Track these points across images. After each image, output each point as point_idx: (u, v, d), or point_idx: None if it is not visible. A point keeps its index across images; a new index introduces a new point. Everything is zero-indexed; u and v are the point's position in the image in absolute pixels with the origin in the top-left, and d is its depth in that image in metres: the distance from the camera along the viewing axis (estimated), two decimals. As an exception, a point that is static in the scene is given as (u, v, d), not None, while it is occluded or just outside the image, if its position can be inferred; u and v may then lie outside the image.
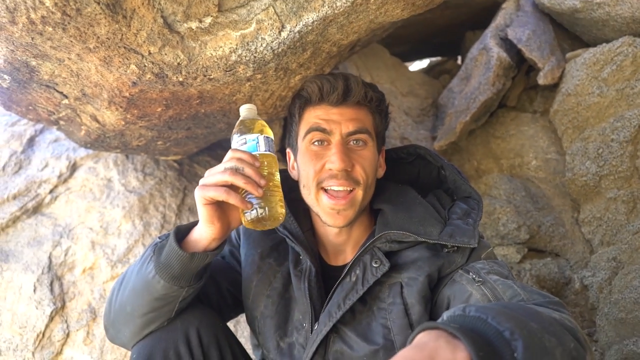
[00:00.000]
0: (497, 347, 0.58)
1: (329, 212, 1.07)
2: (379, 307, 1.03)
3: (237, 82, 1.37)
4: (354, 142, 1.09)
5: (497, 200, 2.47)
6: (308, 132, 1.10)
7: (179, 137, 1.83)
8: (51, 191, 2.12)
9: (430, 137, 3.01)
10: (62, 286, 1.90)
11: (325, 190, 1.07)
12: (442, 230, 1.04)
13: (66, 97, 1.48)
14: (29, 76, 1.33)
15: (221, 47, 1.21)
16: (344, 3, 1.14)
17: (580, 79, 2.35)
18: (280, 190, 1.01)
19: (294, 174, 1.20)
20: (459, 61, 4.20)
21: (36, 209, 2.07)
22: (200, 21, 1.16)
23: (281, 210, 0.99)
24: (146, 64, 1.20)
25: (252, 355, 1.24)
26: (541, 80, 2.53)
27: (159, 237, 1.07)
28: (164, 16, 1.13)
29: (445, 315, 0.68)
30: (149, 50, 1.16)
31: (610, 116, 2.23)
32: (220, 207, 0.96)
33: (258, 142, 0.99)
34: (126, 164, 2.26)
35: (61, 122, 1.72)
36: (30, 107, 1.59)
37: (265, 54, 1.23)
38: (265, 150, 0.99)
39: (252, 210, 0.95)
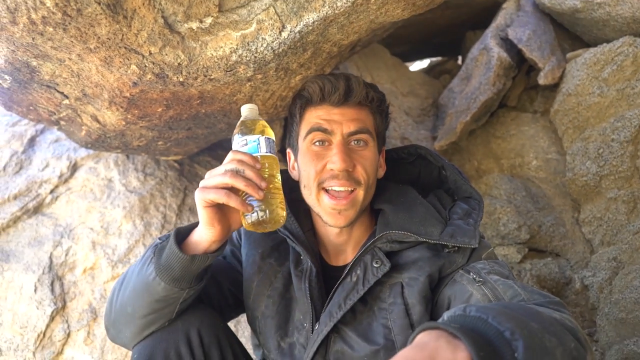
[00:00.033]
0: (498, 347, 0.58)
1: (330, 212, 1.07)
2: (379, 307, 1.03)
3: (238, 83, 1.37)
4: (355, 142, 1.09)
5: (498, 200, 2.47)
6: (309, 132, 1.10)
7: (179, 137, 1.84)
8: (52, 191, 2.13)
9: (431, 137, 3.01)
10: (62, 286, 1.90)
11: (327, 191, 1.07)
12: (443, 230, 1.04)
13: (67, 97, 1.48)
14: (30, 76, 1.34)
15: (222, 47, 1.21)
16: (345, 3, 1.14)
17: (580, 79, 2.35)
18: (282, 192, 1.00)
19: (294, 174, 1.20)
20: (460, 61, 4.20)
21: (37, 209, 2.08)
22: (201, 21, 1.17)
23: (282, 212, 0.98)
24: (147, 64, 1.21)
25: (253, 355, 1.24)
26: (541, 80, 2.53)
27: (159, 238, 1.06)
28: (164, 16, 1.13)
29: (445, 315, 0.68)
30: (150, 51, 1.16)
31: (611, 116, 2.23)
32: (220, 210, 0.95)
33: (259, 144, 0.98)
34: (127, 164, 2.27)
35: (62, 123, 1.72)
36: (31, 108, 1.59)
37: (266, 54, 1.23)
38: (267, 152, 0.98)
39: (253, 213, 0.94)
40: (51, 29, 1.06)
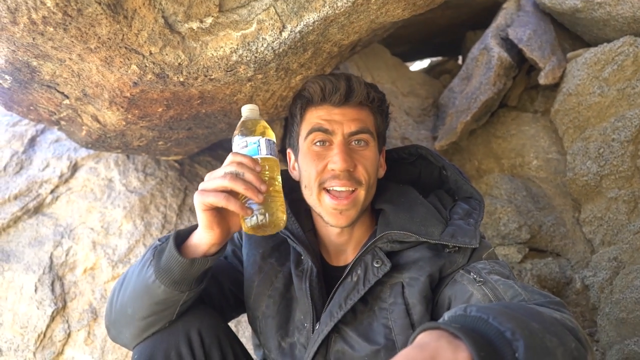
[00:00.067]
0: (499, 347, 0.58)
1: (332, 212, 1.07)
2: (380, 307, 1.03)
3: (238, 83, 1.37)
4: (356, 142, 1.09)
5: (498, 200, 2.47)
6: (310, 132, 1.10)
7: (179, 137, 1.84)
8: (52, 191, 2.13)
9: (431, 137, 3.01)
10: (63, 286, 1.90)
11: (328, 191, 1.07)
12: (444, 230, 1.04)
13: (67, 97, 1.48)
14: (30, 76, 1.34)
15: (222, 47, 1.21)
16: (345, 3, 1.14)
17: (581, 78, 2.35)
18: (282, 194, 0.99)
19: (294, 174, 1.20)
20: (460, 61, 4.20)
21: (37, 209, 2.08)
22: (201, 21, 1.17)
23: (282, 216, 0.97)
24: (147, 64, 1.21)
25: (253, 356, 1.24)
26: (542, 80, 2.53)
27: (159, 240, 1.05)
28: (165, 16, 1.13)
29: (446, 316, 0.68)
30: (150, 51, 1.16)
31: (611, 116, 2.23)
32: (219, 213, 0.95)
33: (259, 145, 0.97)
34: (127, 164, 2.27)
35: (62, 123, 1.72)
36: (31, 108, 1.59)
37: (266, 54, 1.23)
38: (267, 154, 0.97)
39: (252, 216, 0.93)
40: (52, 29, 1.06)
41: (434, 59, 4.62)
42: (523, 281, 2.17)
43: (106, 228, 2.06)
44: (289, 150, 1.24)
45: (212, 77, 1.28)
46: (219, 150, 2.51)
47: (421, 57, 4.71)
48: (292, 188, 1.18)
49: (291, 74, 1.46)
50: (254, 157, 0.95)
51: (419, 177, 1.25)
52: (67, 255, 1.97)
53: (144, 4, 1.08)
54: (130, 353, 1.08)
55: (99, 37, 1.10)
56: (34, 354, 1.75)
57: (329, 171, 1.07)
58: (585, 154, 2.27)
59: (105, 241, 2.02)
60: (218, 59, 1.22)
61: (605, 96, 2.25)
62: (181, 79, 1.27)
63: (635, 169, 2.11)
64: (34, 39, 1.10)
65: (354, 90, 1.09)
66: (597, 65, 2.31)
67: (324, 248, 1.21)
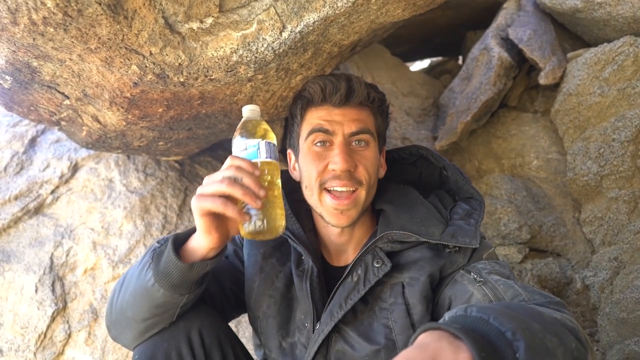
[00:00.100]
0: (499, 347, 0.58)
1: (333, 212, 1.07)
2: (380, 307, 1.04)
3: (238, 83, 1.37)
4: (356, 142, 1.09)
5: (499, 200, 2.47)
6: (310, 133, 1.10)
7: (180, 137, 1.84)
8: (53, 192, 2.13)
9: (431, 137, 3.01)
10: (63, 287, 1.90)
11: (329, 191, 1.07)
12: (444, 230, 1.04)
13: (67, 97, 1.48)
14: (31, 77, 1.34)
15: (222, 47, 1.21)
16: (345, 3, 1.14)
17: (581, 78, 2.35)
18: (281, 199, 0.97)
19: (295, 174, 1.20)
20: (460, 61, 4.20)
21: (38, 210, 2.08)
22: (202, 22, 1.17)
23: (280, 222, 0.95)
24: (147, 65, 1.21)
25: (254, 356, 1.24)
26: (542, 80, 2.53)
27: (158, 242, 1.04)
28: (165, 17, 1.13)
29: (447, 316, 0.68)
30: (150, 51, 1.16)
31: (612, 116, 2.23)
32: (218, 217, 0.93)
33: (259, 149, 0.94)
34: (127, 165, 2.27)
35: (62, 123, 1.72)
36: (31, 108, 1.59)
37: (267, 54, 1.23)
38: (267, 157, 0.95)
39: (251, 222, 0.91)
40: (52, 30, 1.06)
41: (434, 59, 4.62)
42: (523, 281, 2.17)
43: (106, 228, 2.06)
44: (289, 151, 1.24)
45: (213, 77, 1.28)
46: (219, 150, 2.51)
47: (421, 57, 4.71)
48: (292, 188, 1.18)
49: (291, 74, 1.46)
50: (253, 160, 0.93)
51: (420, 177, 1.25)
52: (67, 255, 1.97)
53: (144, 4, 1.08)
54: (131, 353, 1.08)
55: (99, 38, 1.10)
56: (35, 354, 1.75)
57: (329, 171, 1.07)
58: (585, 154, 2.27)
59: (106, 241, 2.02)
60: (218, 59, 1.23)
61: (605, 96, 2.25)
62: (181, 80, 1.27)
63: (635, 169, 2.11)
64: (34, 39, 1.10)
65: (354, 91, 1.09)
66: (598, 65, 2.30)
67: (324, 248, 1.21)
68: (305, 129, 1.12)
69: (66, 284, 1.91)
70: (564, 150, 2.48)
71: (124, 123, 1.54)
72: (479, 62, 2.92)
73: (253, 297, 1.17)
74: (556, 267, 2.21)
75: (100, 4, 1.01)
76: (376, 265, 1.03)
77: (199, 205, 0.89)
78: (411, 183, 1.20)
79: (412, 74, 3.63)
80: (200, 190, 0.90)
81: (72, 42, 1.11)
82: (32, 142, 2.30)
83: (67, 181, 2.17)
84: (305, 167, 1.11)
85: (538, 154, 2.61)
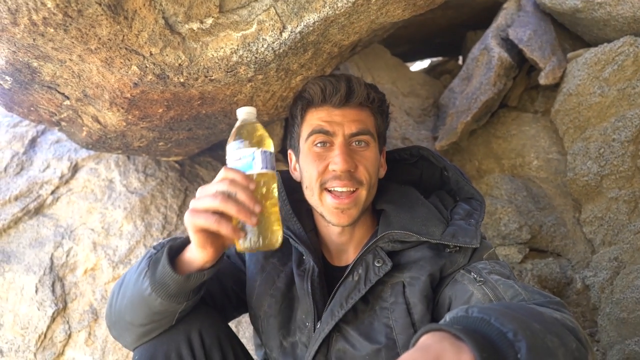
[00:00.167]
0: (501, 348, 0.58)
1: (334, 211, 1.07)
2: (381, 307, 1.04)
3: (239, 83, 1.37)
4: (357, 143, 1.09)
5: (499, 200, 2.47)
6: (311, 134, 1.10)
7: (180, 137, 1.84)
8: (53, 192, 2.13)
9: (432, 137, 3.01)
10: (63, 287, 1.90)
11: (329, 191, 1.07)
12: (445, 230, 1.04)
13: (68, 98, 1.48)
14: (31, 77, 1.34)
15: (222, 47, 1.21)
16: (345, 3, 1.14)
17: (581, 78, 2.35)
18: (278, 209, 0.93)
19: (296, 175, 1.20)
20: (460, 61, 4.20)
21: (38, 210, 2.08)
22: (202, 22, 1.17)
23: (276, 236, 0.91)
24: (147, 65, 1.21)
25: (254, 356, 1.24)
26: (542, 80, 2.53)
27: (154, 247, 1.02)
28: (165, 17, 1.13)
29: (447, 317, 0.68)
30: (151, 51, 1.16)
31: (612, 116, 2.23)
32: (212, 232, 0.90)
33: (254, 159, 0.89)
34: (127, 165, 2.27)
35: (63, 123, 1.72)
36: (31, 109, 1.59)
37: (267, 54, 1.23)
38: (262, 168, 0.89)
39: (246, 239, 0.88)
40: (52, 30, 1.06)
41: (435, 59, 4.62)
42: (524, 281, 2.17)
43: (107, 229, 2.06)
44: (290, 151, 1.24)
45: (213, 77, 1.28)
46: (219, 150, 2.51)
47: (421, 57, 4.71)
48: (293, 189, 1.19)
49: (291, 74, 1.46)
50: (248, 172, 0.88)
51: (420, 178, 1.25)
52: (67, 256, 1.97)
53: (144, 4, 1.08)
54: (131, 354, 1.08)
55: (100, 38, 1.10)
56: (35, 354, 1.75)
57: (330, 172, 1.07)
58: (585, 154, 2.27)
59: (106, 242, 2.02)
60: (218, 59, 1.22)
61: (605, 96, 2.25)
62: (181, 80, 1.27)
63: (635, 169, 2.11)
64: (34, 40, 1.10)
65: (354, 91, 1.09)
66: (598, 66, 2.31)
67: (325, 248, 1.21)
68: (305, 130, 1.12)
69: (66, 284, 1.91)
70: (564, 150, 2.48)
71: (124, 123, 1.54)
72: (479, 62, 2.92)
73: (254, 296, 1.18)
74: (556, 267, 2.21)
75: (100, 5, 1.00)
76: (377, 265, 1.03)
77: (192, 221, 0.86)
78: (412, 183, 1.20)
79: (412, 74, 3.63)
80: (193, 204, 0.87)
81: (72, 42, 1.11)
82: (32, 142, 2.30)
83: (67, 182, 2.17)
84: (305, 167, 1.11)
85: (538, 154, 2.61)
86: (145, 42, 1.14)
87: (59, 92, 1.45)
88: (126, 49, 1.15)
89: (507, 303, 0.86)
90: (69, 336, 1.82)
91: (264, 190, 0.90)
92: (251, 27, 1.19)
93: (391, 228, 1.05)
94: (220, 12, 1.17)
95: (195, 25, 1.17)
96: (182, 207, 2.23)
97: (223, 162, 0.93)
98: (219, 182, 0.86)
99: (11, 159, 2.20)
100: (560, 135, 2.50)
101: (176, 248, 0.98)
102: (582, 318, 2.03)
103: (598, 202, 2.23)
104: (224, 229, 0.84)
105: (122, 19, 1.07)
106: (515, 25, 2.88)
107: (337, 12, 1.16)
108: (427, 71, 4.28)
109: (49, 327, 1.80)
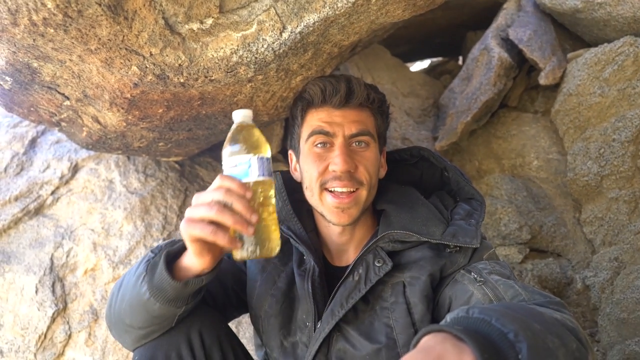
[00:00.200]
0: (502, 348, 0.58)
1: (334, 210, 1.07)
2: (381, 307, 1.04)
3: (239, 83, 1.37)
4: (357, 143, 1.10)
5: (499, 200, 2.47)
6: (311, 134, 1.10)
7: (180, 138, 1.83)
8: (53, 192, 2.13)
9: (432, 138, 3.00)
10: (63, 287, 1.90)
11: (330, 191, 1.08)
12: (445, 230, 1.04)
13: (68, 98, 1.48)
14: (31, 78, 1.34)
15: (222, 48, 1.21)
16: (345, 4, 1.14)
17: (581, 79, 2.35)
18: (275, 216, 0.91)
19: (296, 175, 1.20)
20: (460, 61, 4.20)
21: (38, 211, 2.08)
22: (202, 22, 1.17)
23: (274, 244, 0.89)
24: (147, 65, 1.21)
25: (254, 356, 1.24)
26: (542, 80, 2.53)
27: (152, 251, 1.01)
28: (165, 17, 1.13)
29: (448, 317, 0.68)
30: (151, 52, 1.16)
31: (612, 116, 2.23)
32: (208, 242, 0.88)
33: (250, 166, 0.87)
34: (127, 165, 2.26)
35: (63, 124, 1.72)
36: (31, 109, 1.59)
37: (267, 55, 1.23)
38: (259, 176, 0.87)
39: (243, 248, 0.87)
40: (52, 31, 1.06)
41: (435, 59, 4.62)
42: (524, 282, 2.17)
43: (107, 229, 2.05)
44: (290, 152, 1.24)
45: (213, 78, 1.28)
46: (219, 151, 2.48)
47: (421, 57, 4.71)
48: (294, 189, 1.19)
49: (291, 74, 1.46)
50: (244, 180, 0.86)
51: (421, 178, 1.25)
52: (67, 256, 1.97)
53: (144, 5, 1.08)
54: (131, 354, 1.08)
55: (100, 39, 1.10)
56: (35, 355, 1.75)
57: (330, 172, 1.07)
58: (585, 154, 2.27)
59: (106, 242, 2.02)
60: (218, 59, 1.22)
61: (605, 96, 2.25)
62: (181, 80, 1.27)
63: (635, 169, 2.11)
64: (34, 40, 1.10)
65: (354, 92, 1.09)
66: (598, 66, 2.30)
67: (325, 248, 1.21)
68: (305, 130, 1.13)
69: (66, 284, 1.91)
70: (564, 151, 2.48)
71: (124, 124, 1.54)
72: (479, 63, 2.92)
73: (255, 296, 1.18)
74: (556, 267, 2.21)
75: (100, 5, 1.00)
76: (377, 265, 1.03)
77: (188, 231, 0.85)
78: (412, 184, 1.20)
79: (412, 75, 3.62)
80: (189, 213, 0.85)
81: (72, 43, 1.11)
82: (32, 143, 2.30)
83: (67, 182, 2.17)
84: (306, 168, 1.12)
85: (538, 154, 2.61)
86: (145, 43, 1.14)
87: (59, 92, 1.45)
88: (126, 49, 1.15)
89: (508, 303, 0.86)
90: (69, 336, 1.81)
91: (261, 198, 0.88)
92: (251, 27, 1.19)
93: (392, 228, 1.05)
94: (220, 12, 1.17)
95: (195, 26, 1.17)
96: (182, 208, 2.23)
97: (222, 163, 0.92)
98: (215, 191, 0.84)
99: (11, 160, 2.20)
100: (560, 136, 2.50)
101: (174, 253, 0.97)
102: (583, 318, 2.03)
103: (598, 202, 2.23)
104: (221, 240, 0.83)
105: (122, 20, 1.07)
106: (515, 25, 2.87)
107: (337, 12, 1.16)
108: (427, 71, 4.27)
109: (49, 327, 1.80)
